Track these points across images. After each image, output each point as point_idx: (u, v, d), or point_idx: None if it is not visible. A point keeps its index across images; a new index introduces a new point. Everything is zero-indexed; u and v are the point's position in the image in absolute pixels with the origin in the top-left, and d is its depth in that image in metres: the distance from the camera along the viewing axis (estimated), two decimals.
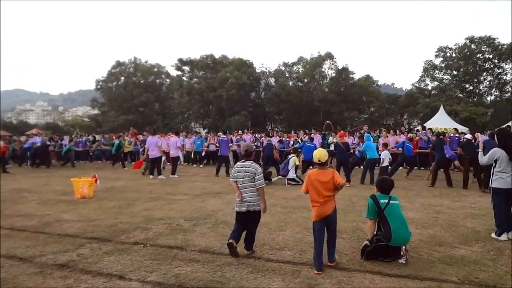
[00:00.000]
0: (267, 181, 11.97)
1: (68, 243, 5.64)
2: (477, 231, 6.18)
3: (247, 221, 5.13)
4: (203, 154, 18.89)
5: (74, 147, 19.77)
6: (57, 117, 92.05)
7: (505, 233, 5.69)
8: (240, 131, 21.36)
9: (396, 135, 16.96)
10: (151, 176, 13.57)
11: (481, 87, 46.82)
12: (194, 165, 18.62)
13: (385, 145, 12.22)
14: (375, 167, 12.01)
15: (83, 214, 7.59)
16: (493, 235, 5.80)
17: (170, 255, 5.00)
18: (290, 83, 52.23)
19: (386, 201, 4.86)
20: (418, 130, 18.52)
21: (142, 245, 5.44)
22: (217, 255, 5.02)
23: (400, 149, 13.52)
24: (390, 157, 11.97)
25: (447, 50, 46.52)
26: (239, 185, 5.16)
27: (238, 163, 5.34)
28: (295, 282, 4.13)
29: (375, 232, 4.90)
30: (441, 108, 31.24)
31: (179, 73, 55.14)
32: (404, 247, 4.70)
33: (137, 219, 7.09)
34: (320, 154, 4.78)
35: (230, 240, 4.90)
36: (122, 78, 59.86)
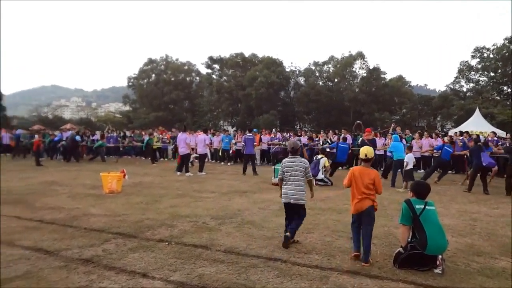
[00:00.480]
0: None
1: (94, 237, 5.63)
2: None
3: (291, 213, 5.47)
4: (231, 152, 18.88)
5: (106, 143, 20.08)
6: (90, 112, 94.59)
7: None
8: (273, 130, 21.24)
9: (432, 138, 16.41)
10: (178, 173, 13.61)
11: None
12: (222, 163, 18.59)
13: (410, 148, 11.62)
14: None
15: (111, 209, 7.62)
16: None
17: (195, 254, 4.90)
18: (320, 83, 51.73)
19: (422, 206, 4.59)
20: (456, 134, 17.83)
21: (166, 243, 5.36)
22: (242, 256, 4.87)
23: (439, 151, 13.03)
24: (414, 160, 11.45)
25: (484, 51, 44.86)
26: (285, 178, 5.48)
27: (286, 159, 5.66)
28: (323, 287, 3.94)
29: (409, 239, 4.63)
30: (477, 110, 30.08)
31: (209, 71, 55.52)
32: (440, 256, 4.42)
33: (163, 216, 7.04)
34: (367, 150, 5.05)
35: (287, 233, 5.26)
36: (153, 75, 60.78)
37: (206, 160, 16.53)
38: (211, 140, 19.63)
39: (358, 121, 18.03)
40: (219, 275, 4.22)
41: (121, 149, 21.45)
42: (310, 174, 5.56)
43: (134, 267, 4.45)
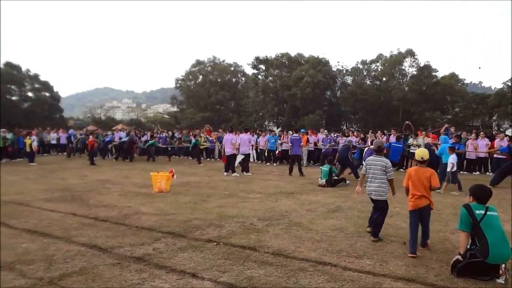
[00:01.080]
0: (343, 183, 11.56)
1: (145, 236, 5.77)
2: None
3: (376, 207, 5.92)
4: (277, 153, 18.82)
5: (157, 142, 20.67)
6: (140, 113, 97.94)
7: None
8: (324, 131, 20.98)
9: (498, 138, 15.54)
10: (225, 173, 13.73)
11: None
12: (268, 164, 18.57)
13: (452, 149, 10.87)
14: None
15: (160, 208, 7.79)
16: None
17: (243, 256, 4.88)
18: (368, 82, 50.50)
19: (483, 212, 4.30)
20: None
21: (215, 243, 5.39)
22: (290, 259, 4.79)
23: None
24: (456, 161, 10.75)
25: None
26: (368, 175, 5.87)
27: (370, 157, 6.09)
28: None
29: (468, 246, 4.36)
30: None
31: (255, 71, 55.71)
32: (504, 265, 4.12)
33: (211, 216, 7.10)
34: (422, 152, 5.46)
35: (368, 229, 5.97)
36: (200, 76, 61.89)
37: (251, 160, 16.48)
38: (256, 141, 19.73)
39: (407, 122, 17.39)
40: (268, 278, 4.17)
41: (169, 149, 21.97)
42: (392, 173, 5.83)
43: (184, 266, 4.49)
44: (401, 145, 13.30)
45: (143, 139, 22.06)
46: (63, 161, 19.37)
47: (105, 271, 4.36)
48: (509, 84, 45.15)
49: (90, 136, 18.64)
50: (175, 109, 68.57)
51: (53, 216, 7.04)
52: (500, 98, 42.56)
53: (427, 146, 12.08)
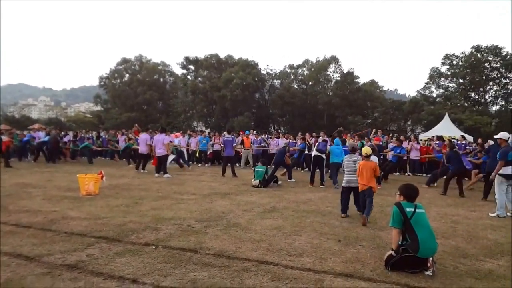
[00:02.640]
0: (275, 183, 11.78)
1: (76, 242, 5.41)
2: (500, 243, 5.95)
3: (355, 193, 7.66)
4: (208, 154, 18.72)
5: (91, 144, 19.45)
6: (59, 112, 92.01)
7: None
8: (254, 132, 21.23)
9: (410, 141, 17.01)
10: (157, 175, 13.37)
11: (486, 97, 46.67)
12: (199, 165, 18.40)
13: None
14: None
15: (90, 212, 7.36)
16: None
17: (184, 258, 4.77)
18: (295, 86, 52.10)
19: (413, 209, 4.63)
20: (433, 138, 18.43)
21: (153, 247, 5.21)
22: (233, 259, 4.78)
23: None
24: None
25: (453, 58, 46.34)
26: (347, 169, 7.83)
27: (347, 155, 8.19)
28: None
29: (399, 242, 4.67)
30: (446, 116, 31.06)
31: (184, 71, 55.01)
32: (431, 258, 4.47)
33: (146, 219, 6.86)
34: (366, 149, 7.51)
35: (343, 215, 7.50)
36: (127, 75, 59.68)
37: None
38: (187, 141, 19.45)
39: (340, 128, 18.37)
40: (212, 279, 4.12)
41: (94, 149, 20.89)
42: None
43: (123, 272, 4.28)
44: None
45: (65, 139, 20.73)
46: None
47: (35, 282, 4.01)
48: (422, 92, 49.18)
49: (5, 136, 17.07)
50: (98, 108, 65.36)
51: None
52: (414, 105, 46.20)
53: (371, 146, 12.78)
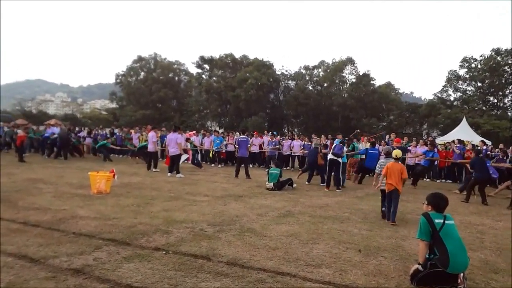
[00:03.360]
0: (290, 186, 11.46)
1: (83, 243, 5.19)
2: None
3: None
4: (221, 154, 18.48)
5: (109, 143, 19.32)
6: (75, 108, 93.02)
7: None
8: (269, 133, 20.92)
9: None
10: (169, 174, 13.17)
11: (505, 101, 45.64)
12: (212, 165, 18.17)
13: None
14: None
15: (100, 211, 7.16)
16: None
17: (196, 266, 4.50)
18: (310, 87, 51.73)
19: (442, 221, 4.28)
20: (454, 141, 17.74)
21: (164, 252, 4.95)
22: (247, 269, 4.49)
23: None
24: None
25: (472, 61, 45.45)
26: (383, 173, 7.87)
27: (383, 159, 8.71)
28: None
29: (427, 256, 4.33)
30: (464, 119, 30.31)
31: (199, 70, 54.99)
32: (462, 274, 4.12)
33: (157, 221, 6.62)
34: (397, 152, 7.79)
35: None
36: (142, 73, 60.00)
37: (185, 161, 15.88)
38: (201, 141, 19.21)
39: (358, 130, 18.03)
40: None
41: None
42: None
43: (130, 279, 4.03)
44: (377, 151, 13.45)
45: (81, 134, 20.72)
46: None
47: (37, 286, 3.80)
48: (439, 95, 48.31)
49: (20, 131, 17.07)
50: (114, 105, 65.75)
51: None
52: (430, 108, 45.39)
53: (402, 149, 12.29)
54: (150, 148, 14.57)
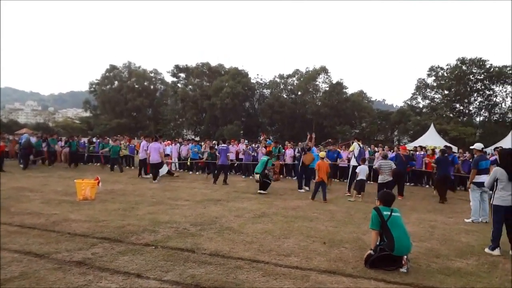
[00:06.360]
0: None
1: (80, 241, 5.81)
2: (471, 245, 6.51)
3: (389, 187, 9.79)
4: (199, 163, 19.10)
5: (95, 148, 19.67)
6: (47, 117, 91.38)
7: (498, 248, 6.02)
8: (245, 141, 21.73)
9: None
10: (155, 181, 13.75)
11: (471, 108, 47.94)
12: (190, 172, 18.78)
13: (363, 160, 12.19)
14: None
15: (89, 215, 7.75)
16: (486, 249, 6.12)
17: (182, 257, 5.21)
18: (284, 95, 52.83)
19: (389, 213, 5.16)
20: (417, 148, 18.97)
21: (153, 247, 5.64)
22: (227, 258, 5.23)
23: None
24: (367, 171, 12.09)
25: (439, 70, 47.58)
26: (382, 171, 10.89)
27: (382, 161, 11.25)
28: (305, 285, 4.38)
29: (377, 243, 5.18)
30: (432, 126, 31.91)
31: (174, 79, 55.37)
32: (405, 256, 4.98)
33: (143, 222, 7.27)
34: (322, 154, 11.28)
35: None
36: (116, 82, 59.82)
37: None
38: (179, 149, 19.79)
39: (330, 140, 19.06)
40: (210, 275, 4.57)
41: (86, 155, 21.21)
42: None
43: (127, 268, 4.71)
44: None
45: (60, 144, 21.02)
46: None
47: (48, 275, 4.42)
48: (409, 103, 50.29)
49: (1, 141, 17.24)
50: (87, 114, 65.31)
51: None
52: (401, 116, 47.23)
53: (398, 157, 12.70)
54: (141, 155, 15.35)
